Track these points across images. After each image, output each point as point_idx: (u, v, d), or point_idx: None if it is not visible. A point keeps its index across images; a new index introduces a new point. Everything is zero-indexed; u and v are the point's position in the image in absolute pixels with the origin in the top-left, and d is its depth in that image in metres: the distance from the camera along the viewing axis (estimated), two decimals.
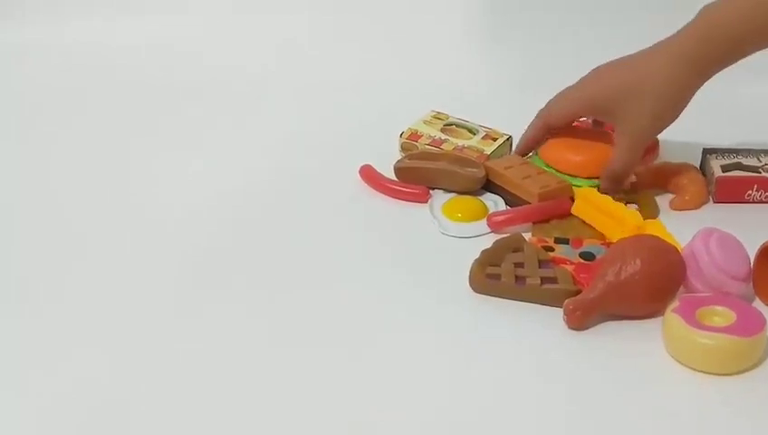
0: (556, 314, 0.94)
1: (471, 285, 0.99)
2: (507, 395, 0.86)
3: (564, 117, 1.15)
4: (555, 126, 1.16)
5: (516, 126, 1.21)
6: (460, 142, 1.23)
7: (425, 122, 1.27)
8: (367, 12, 1.50)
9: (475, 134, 1.25)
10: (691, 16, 1.06)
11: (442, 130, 1.25)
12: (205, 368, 0.89)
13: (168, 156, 1.24)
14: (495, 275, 0.98)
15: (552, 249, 1.03)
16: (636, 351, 0.91)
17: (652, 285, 0.94)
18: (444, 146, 1.22)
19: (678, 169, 1.16)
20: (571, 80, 1.14)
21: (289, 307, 0.97)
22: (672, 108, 1.08)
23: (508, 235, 1.05)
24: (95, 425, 0.83)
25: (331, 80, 1.42)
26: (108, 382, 0.87)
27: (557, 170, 1.15)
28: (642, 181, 1.15)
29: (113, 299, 0.98)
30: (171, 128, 1.32)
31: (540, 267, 0.99)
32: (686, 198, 1.13)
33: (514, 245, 1.03)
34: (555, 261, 1.01)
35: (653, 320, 0.93)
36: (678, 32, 1.07)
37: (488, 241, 1.03)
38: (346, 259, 1.05)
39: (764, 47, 1.06)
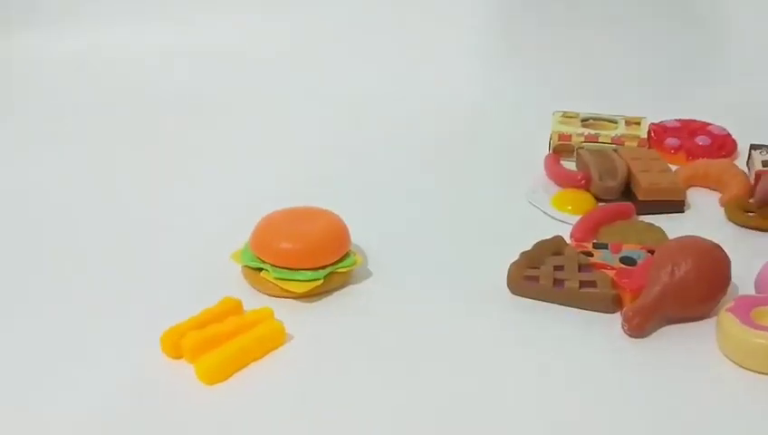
0: (594, 318, 0.92)
1: (509, 286, 0.96)
2: (544, 398, 0.83)
3: None
4: None
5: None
6: (612, 133, 1.23)
7: (560, 123, 1.27)
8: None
9: (616, 123, 1.26)
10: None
11: (584, 126, 1.26)
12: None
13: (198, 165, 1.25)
14: (534, 278, 0.95)
15: (591, 254, 0.99)
16: (688, 350, 0.88)
17: (706, 282, 0.92)
18: (601, 139, 1.23)
19: (719, 166, 1.17)
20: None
21: (315, 308, 0.95)
22: None
23: (550, 237, 1.01)
24: None
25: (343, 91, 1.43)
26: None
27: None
28: (684, 180, 1.15)
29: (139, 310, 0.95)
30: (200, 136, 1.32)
31: (579, 271, 0.96)
32: (734, 193, 1.13)
33: (555, 248, 1.00)
34: (596, 266, 0.97)
35: (704, 321, 0.91)
36: None
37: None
38: (379, 258, 1.02)
39: None
